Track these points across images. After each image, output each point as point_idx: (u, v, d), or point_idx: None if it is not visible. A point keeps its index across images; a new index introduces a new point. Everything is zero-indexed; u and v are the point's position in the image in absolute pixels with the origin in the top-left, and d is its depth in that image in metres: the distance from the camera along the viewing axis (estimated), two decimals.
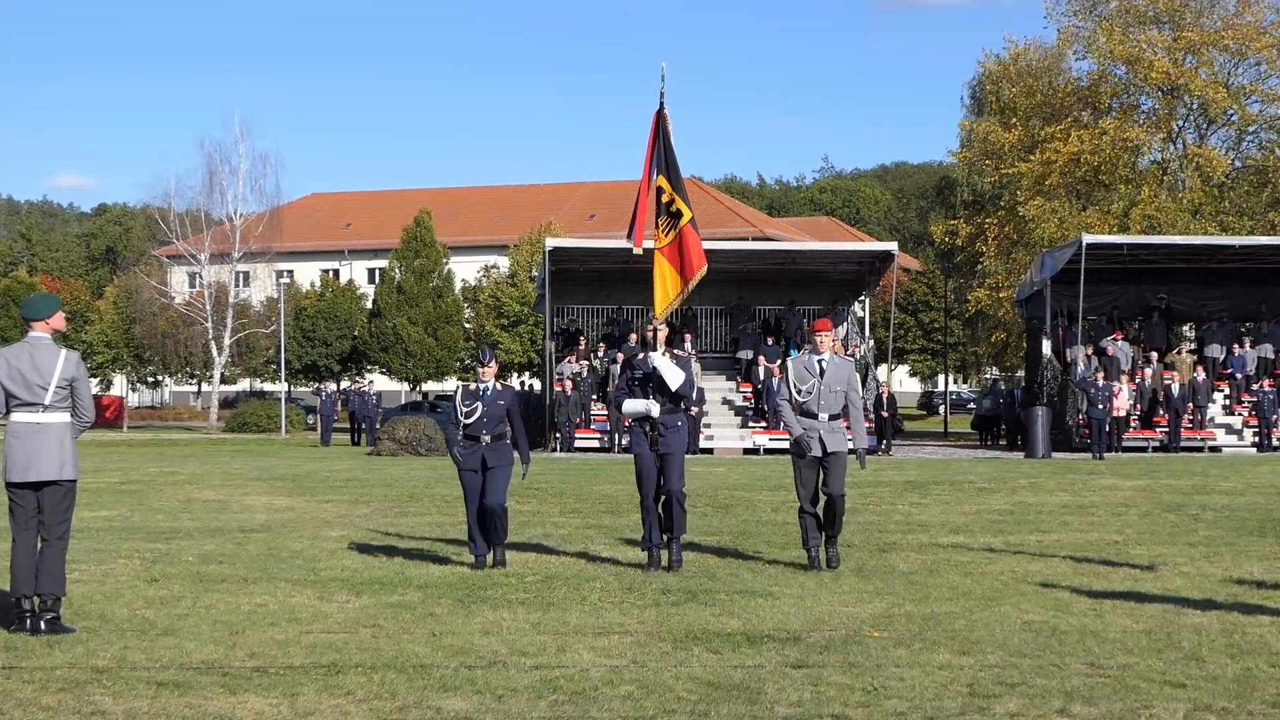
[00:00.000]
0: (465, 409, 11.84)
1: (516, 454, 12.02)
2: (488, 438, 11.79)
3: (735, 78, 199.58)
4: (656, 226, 12.71)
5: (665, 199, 12.66)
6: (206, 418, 62.22)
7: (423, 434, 32.56)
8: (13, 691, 6.96)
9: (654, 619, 9.04)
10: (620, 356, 35.78)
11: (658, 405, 11.63)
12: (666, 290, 12.72)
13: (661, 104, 12.78)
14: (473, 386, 12.04)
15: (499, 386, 11.97)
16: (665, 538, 11.68)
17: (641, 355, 12.00)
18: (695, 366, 35.63)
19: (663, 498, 11.72)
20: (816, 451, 11.44)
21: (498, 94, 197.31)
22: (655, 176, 12.73)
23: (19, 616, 8.60)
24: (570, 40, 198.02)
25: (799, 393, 11.53)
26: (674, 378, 11.65)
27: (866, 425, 16.71)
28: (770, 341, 37.44)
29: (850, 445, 11.69)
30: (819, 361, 11.57)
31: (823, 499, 11.58)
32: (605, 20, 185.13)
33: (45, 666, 7.56)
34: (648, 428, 11.68)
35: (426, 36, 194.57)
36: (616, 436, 34.05)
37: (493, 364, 12.06)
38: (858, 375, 12.02)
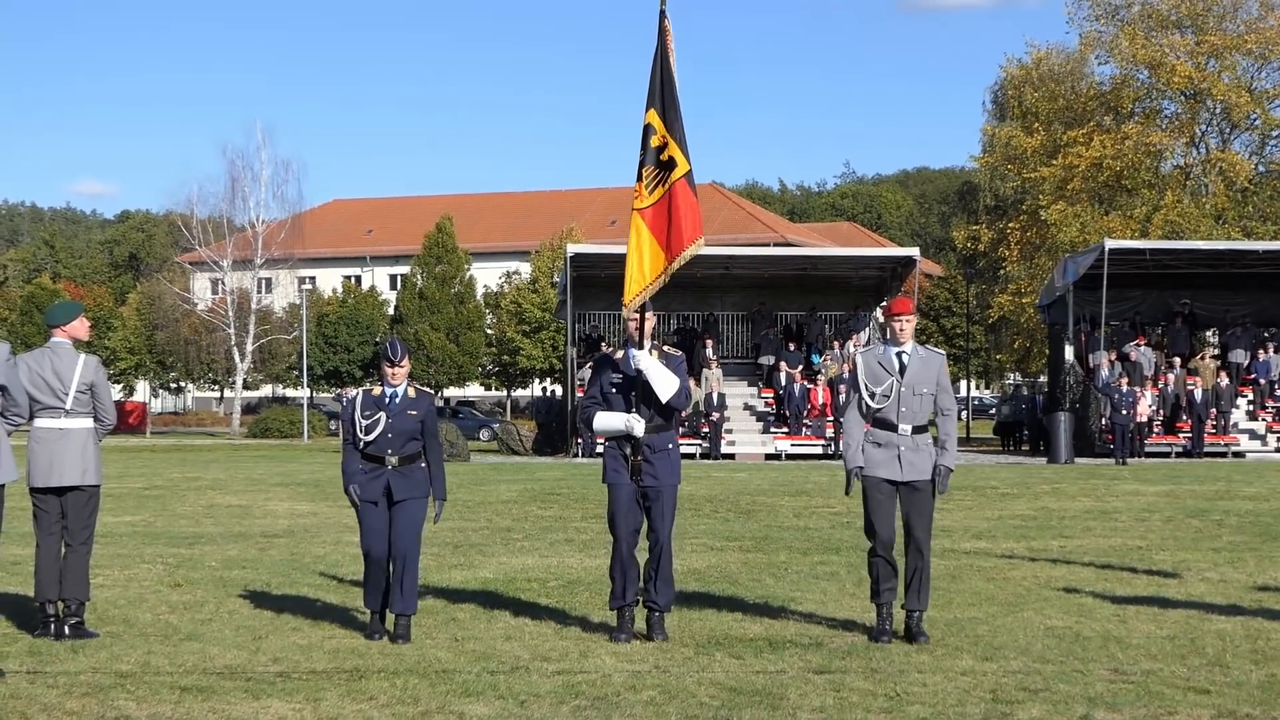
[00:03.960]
0: (365, 422, 8.74)
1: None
2: (395, 459, 8.71)
3: (756, 83, 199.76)
4: (639, 178, 9.13)
5: (656, 142, 8.99)
6: (229, 423, 62.50)
7: (444, 440, 32.57)
8: (37, 696, 6.99)
9: (676, 624, 9.02)
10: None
11: (642, 421, 8.59)
12: (643, 268, 9.02)
13: (663, 11, 8.96)
14: (375, 392, 8.86)
15: (412, 393, 8.84)
16: (643, 601, 8.69)
17: (621, 354, 8.85)
18: (716, 372, 36.24)
19: (648, 550, 8.73)
20: (860, 481, 8.64)
21: (519, 100, 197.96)
22: (646, 110, 9.06)
23: (43, 621, 8.64)
24: (591, 46, 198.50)
25: (873, 397, 8.60)
26: (666, 385, 8.60)
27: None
28: (792, 347, 37.47)
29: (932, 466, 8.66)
30: (898, 355, 8.65)
31: (901, 544, 8.66)
32: (626, 25, 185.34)
33: (69, 671, 7.59)
34: (628, 451, 8.66)
35: (449, 42, 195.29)
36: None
37: (405, 363, 8.84)
38: (948, 373, 8.96)
